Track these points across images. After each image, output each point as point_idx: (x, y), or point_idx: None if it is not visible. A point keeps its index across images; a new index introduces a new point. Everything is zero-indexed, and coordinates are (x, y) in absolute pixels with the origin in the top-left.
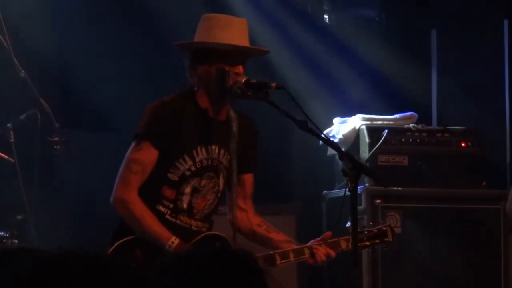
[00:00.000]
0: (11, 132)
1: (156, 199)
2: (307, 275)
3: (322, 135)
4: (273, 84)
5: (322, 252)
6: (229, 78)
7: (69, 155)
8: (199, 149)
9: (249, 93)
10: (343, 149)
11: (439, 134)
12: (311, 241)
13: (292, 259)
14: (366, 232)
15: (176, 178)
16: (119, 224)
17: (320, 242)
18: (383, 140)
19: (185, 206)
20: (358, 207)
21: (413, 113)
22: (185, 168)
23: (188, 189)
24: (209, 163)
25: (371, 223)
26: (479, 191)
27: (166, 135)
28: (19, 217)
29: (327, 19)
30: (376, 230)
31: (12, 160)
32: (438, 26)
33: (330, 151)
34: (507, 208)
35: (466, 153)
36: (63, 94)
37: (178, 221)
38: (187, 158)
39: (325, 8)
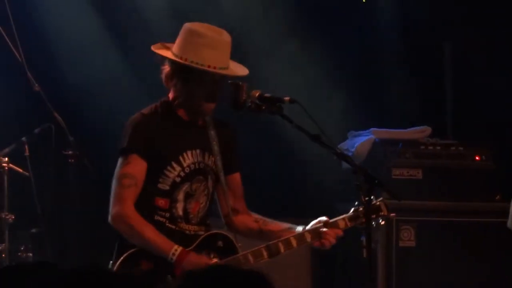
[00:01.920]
0: (26, 146)
1: (151, 211)
2: (322, 286)
3: (336, 149)
4: (287, 98)
5: (331, 235)
6: (243, 93)
7: (83, 169)
8: (185, 154)
9: (263, 107)
10: (357, 163)
11: (453, 148)
12: (310, 225)
13: (295, 245)
14: (361, 209)
15: (167, 187)
16: (121, 239)
17: (321, 224)
18: (397, 154)
19: (180, 212)
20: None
21: (427, 126)
22: (174, 175)
23: (181, 196)
24: (197, 167)
25: (365, 199)
26: (494, 204)
27: (151, 145)
28: (33, 230)
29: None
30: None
31: (27, 173)
32: (451, 38)
33: (345, 164)
34: (509, 224)
35: (480, 167)
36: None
37: (178, 228)
38: (174, 165)
39: None
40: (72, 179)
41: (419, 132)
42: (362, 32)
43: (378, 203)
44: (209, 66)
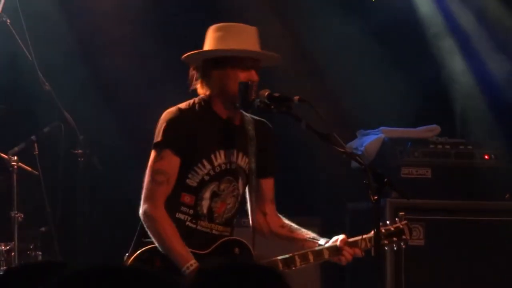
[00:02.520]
0: (35, 145)
1: (175, 207)
2: (332, 285)
3: (345, 148)
4: (296, 97)
5: (349, 252)
6: (252, 92)
7: (92, 167)
8: (217, 153)
9: (272, 107)
10: (366, 162)
11: (462, 147)
12: (331, 242)
13: (311, 260)
14: (384, 231)
15: (195, 184)
16: (138, 233)
17: (341, 243)
18: (406, 153)
19: (205, 211)
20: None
21: (436, 125)
22: (204, 172)
23: (207, 194)
24: (228, 167)
25: (387, 222)
26: (503, 203)
27: (185, 141)
28: (42, 229)
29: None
30: (393, 228)
31: (36, 172)
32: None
33: (354, 163)
34: None
35: (489, 166)
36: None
37: (198, 227)
38: (205, 163)
39: None
40: (81, 178)
41: (428, 131)
42: (369, 30)
43: (401, 226)
44: (239, 50)
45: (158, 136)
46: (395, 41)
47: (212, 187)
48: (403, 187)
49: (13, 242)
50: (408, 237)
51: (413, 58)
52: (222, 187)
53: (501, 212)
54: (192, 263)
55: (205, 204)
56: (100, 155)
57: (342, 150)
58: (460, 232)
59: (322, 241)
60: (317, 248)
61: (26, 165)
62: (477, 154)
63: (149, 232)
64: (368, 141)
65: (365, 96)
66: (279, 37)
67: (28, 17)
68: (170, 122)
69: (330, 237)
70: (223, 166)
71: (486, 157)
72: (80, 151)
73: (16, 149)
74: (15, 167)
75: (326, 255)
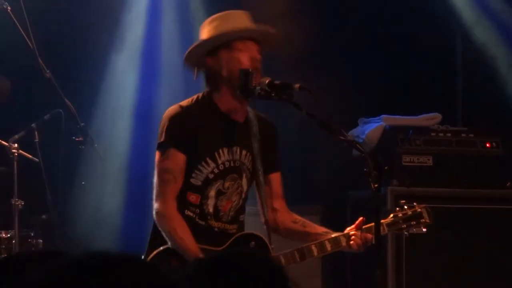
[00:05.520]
0: (36, 132)
1: (183, 205)
2: (332, 272)
3: (346, 136)
4: (297, 85)
5: (359, 238)
6: (253, 79)
7: (93, 155)
8: (221, 151)
9: (273, 94)
10: (367, 150)
11: (463, 135)
12: (346, 230)
13: (330, 249)
14: (401, 215)
15: (199, 183)
16: (152, 235)
17: (355, 229)
18: (407, 141)
19: (211, 209)
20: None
21: (437, 113)
22: (208, 171)
23: (212, 192)
24: (232, 165)
25: (405, 207)
26: (504, 191)
27: (189, 139)
28: (43, 216)
29: None
30: (410, 212)
31: (36, 160)
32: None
33: (355, 151)
34: None
35: (490, 153)
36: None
37: (207, 224)
38: (209, 161)
39: None
40: (81, 165)
41: (429, 119)
42: (372, 19)
43: (419, 209)
44: (237, 30)
45: (161, 136)
46: (399, 26)
47: (217, 185)
48: (404, 175)
49: (13, 230)
50: (428, 221)
51: (415, 45)
52: (227, 185)
53: (502, 200)
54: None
55: (211, 202)
56: (101, 142)
57: (342, 138)
58: (461, 220)
59: (335, 233)
60: (333, 236)
61: (26, 152)
62: (479, 142)
63: (161, 231)
64: (370, 129)
65: (366, 83)
66: (279, 26)
67: (29, 3)
68: (173, 121)
69: (331, 226)
70: (227, 164)
71: (487, 145)
72: (80, 138)
73: (16, 136)
74: (16, 154)
75: (343, 242)
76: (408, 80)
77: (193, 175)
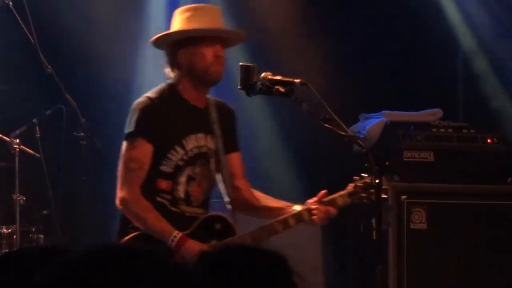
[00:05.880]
0: (37, 128)
1: (154, 192)
2: (333, 267)
3: (347, 132)
4: (297, 80)
5: (321, 211)
6: (254, 74)
7: (94, 151)
8: (188, 138)
9: (274, 89)
10: (368, 145)
11: (464, 130)
12: (307, 202)
13: (292, 225)
14: (361, 184)
15: (170, 170)
16: (121, 222)
17: (317, 202)
18: (408, 136)
19: (182, 195)
20: (384, 203)
21: (438, 109)
22: (177, 158)
23: (183, 179)
24: (200, 151)
25: (362, 174)
26: (505, 187)
27: (156, 128)
28: (44, 212)
29: None
30: (369, 180)
31: (38, 155)
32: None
33: (356, 147)
34: None
35: (491, 149)
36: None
37: (179, 210)
38: (178, 148)
39: None
40: (83, 161)
41: (431, 114)
42: (375, 16)
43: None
44: (204, 28)
45: (129, 126)
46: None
47: (187, 171)
48: (405, 170)
49: (15, 225)
50: (388, 187)
51: (418, 42)
52: (196, 170)
53: (503, 196)
54: (176, 234)
55: (182, 188)
56: (103, 137)
57: (343, 133)
58: (462, 216)
59: (297, 206)
60: (295, 211)
61: (28, 148)
62: (480, 138)
63: (129, 217)
64: (371, 124)
65: (367, 79)
66: (281, 18)
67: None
68: (141, 112)
69: (331, 220)
70: (196, 150)
71: (488, 140)
72: (82, 134)
73: (18, 132)
74: (17, 150)
75: (306, 216)
76: (409, 76)
77: (163, 162)
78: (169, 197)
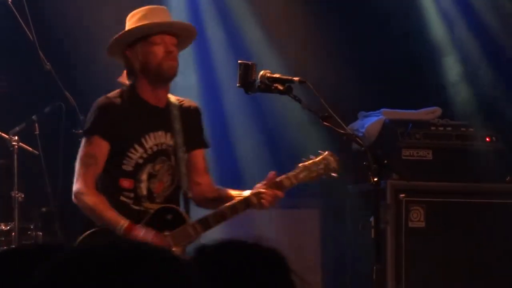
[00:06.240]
0: (36, 125)
1: (117, 192)
2: (332, 266)
3: (346, 130)
4: (296, 78)
5: (269, 195)
6: (253, 72)
7: None
8: (147, 136)
9: (273, 87)
10: (367, 144)
11: (463, 129)
12: (255, 187)
13: (241, 210)
14: (308, 165)
15: (130, 168)
16: (83, 215)
17: (265, 185)
18: (407, 134)
19: (144, 192)
20: (383, 202)
21: (437, 107)
22: (137, 156)
23: (144, 176)
24: (159, 148)
25: (311, 156)
26: (504, 185)
27: (114, 127)
28: (43, 209)
29: None
30: (317, 160)
31: (36, 152)
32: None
33: (354, 145)
34: None
35: (490, 148)
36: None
37: (143, 208)
38: (137, 147)
39: None
40: None
41: (429, 112)
42: (374, 14)
43: (324, 156)
44: (151, 23)
45: (87, 124)
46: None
47: (147, 169)
48: (404, 169)
49: (13, 222)
50: (335, 166)
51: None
52: (157, 167)
53: (502, 195)
54: (123, 223)
55: (144, 186)
56: None
57: (342, 131)
58: (460, 214)
59: (246, 192)
60: (244, 197)
61: (26, 145)
62: (478, 136)
63: (82, 209)
64: (369, 123)
65: (366, 77)
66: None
67: None
68: (98, 110)
69: (331, 219)
70: (155, 148)
71: (487, 139)
72: (81, 131)
73: (16, 129)
74: (16, 147)
75: (254, 200)
76: (408, 74)
77: (124, 161)
78: (132, 195)
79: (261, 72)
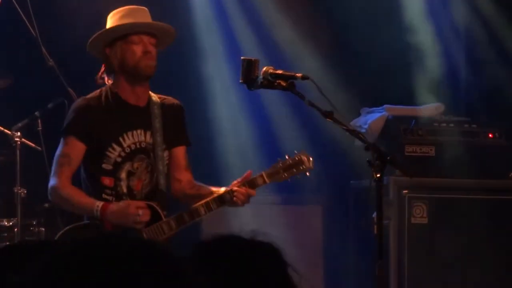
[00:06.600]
0: (39, 121)
1: (99, 189)
2: (334, 262)
3: (348, 126)
4: (299, 75)
5: (242, 193)
6: (255, 69)
7: None
8: (125, 135)
9: (275, 83)
10: (370, 140)
11: (466, 125)
12: (232, 184)
13: (215, 207)
14: (281, 165)
15: (110, 167)
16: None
17: (239, 183)
18: (410, 131)
19: (125, 190)
20: (385, 198)
21: (440, 103)
22: (115, 155)
23: (123, 174)
24: (138, 146)
25: (286, 156)
26: (506, 182)
27: (90, 128)
28: (46, 205)
29: None
30: (291, 161)
31: (39, 148)
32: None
33: (357, 141)
34: None
35: (493, 144)
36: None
37: None
38: (115, 146)
39: None
40: None
41: (433, 109)
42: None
43: (299, 157)
44: (130, 22)
45: (64, 125)
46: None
47: (126, 167)
48: (406, 165)
49: (16, 218)
50: (309, 166)
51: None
52: (135, 165)
53: (505, 191)
54: (98, 204)
55: (123, 184)
56: None
57: (345, 127)
58: (463, 211)
59: (222, 189)
60: (218, 194)
61: (29, 141)
62: (482, 133)
63: (57, 204)
64: (372, 119)
65: (369, 73)
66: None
67: None
68: (74, 112)
69: (333, 215)
70: (133, 147)
71: (490, 135)
72: None
73: (19, 124)
74: (19, 143)
75: (227, 198)
76: (411, 70)
77: (104, 160)
78: (113, 192)
79: (264, 68)
